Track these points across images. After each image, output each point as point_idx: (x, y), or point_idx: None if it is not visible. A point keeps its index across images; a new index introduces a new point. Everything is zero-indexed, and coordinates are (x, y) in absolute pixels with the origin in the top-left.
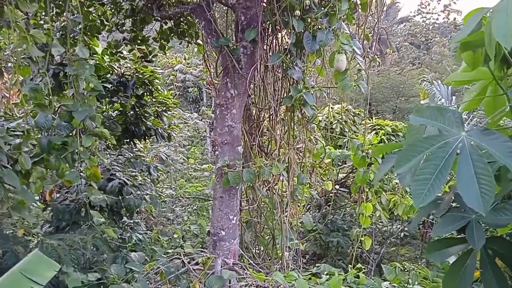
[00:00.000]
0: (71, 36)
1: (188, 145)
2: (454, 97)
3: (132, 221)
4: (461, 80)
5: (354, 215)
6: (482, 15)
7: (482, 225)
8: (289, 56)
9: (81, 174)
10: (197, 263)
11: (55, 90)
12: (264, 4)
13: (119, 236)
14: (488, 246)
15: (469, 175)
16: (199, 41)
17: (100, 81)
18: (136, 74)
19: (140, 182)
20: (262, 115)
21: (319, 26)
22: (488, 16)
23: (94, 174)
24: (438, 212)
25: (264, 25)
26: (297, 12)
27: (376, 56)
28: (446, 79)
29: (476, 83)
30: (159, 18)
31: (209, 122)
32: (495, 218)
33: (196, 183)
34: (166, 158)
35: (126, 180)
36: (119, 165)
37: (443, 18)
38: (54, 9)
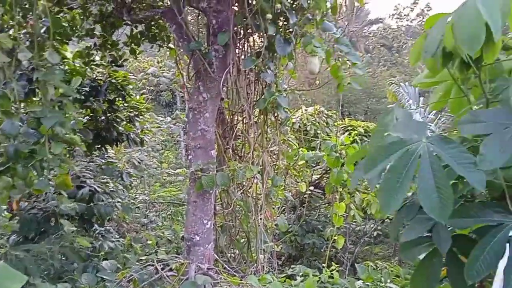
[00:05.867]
0: (38, 40)
1: (162, 149)
2: (422, 98)
3: (103, 229)
4: (426, 82)
5: (329, 216)
6: (445, 22)
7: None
8: (261, 59)
9: (50, 182)
10: (171, 269)
11: (28, 96)
12: (235, 7)
13: (90, 245)
14: (453, 244)
15: (430, 184)
16: (170, 44)
17: (74, 87)
18: (109, 79)
19: (112, 189)
20: (236, 118)
21: (291, 30)
22: (449, 21)
23: (64, 182)
24: (408, 215)
25: (236, 28)
26: (269, 16)
27: (346, 59)
28: (413, 82)
29: (441, 84)
30: (129, 22)
31: (183, 126)
32: (458, 221)
33: (170, 187)
34: (139, 163)
35: (97, 187)
36: (89, 172)
37: (417, 22)
38: (20, 13)
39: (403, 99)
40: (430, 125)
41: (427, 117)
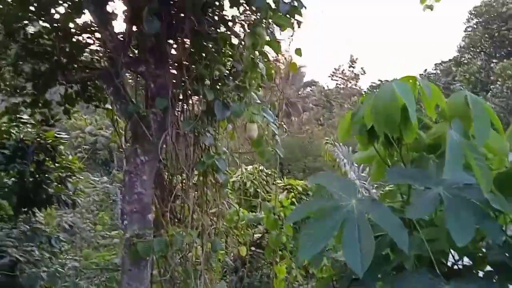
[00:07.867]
0: None
1: (96, 210)
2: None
3: None
4: (363, 158)
5: (271, 275)
6: (367, 103)
7: None
8: (200, 122)
9: None
10: None
11: None
12: (174, 72)
13: None
14: None
15: (353, 238)
16: (107, 105)
17: None
18: (38, 139)
19: (37, 258)
20: (175, 180)
21: (229, 95)
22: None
23: None
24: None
25: (174, 92)
26: (207, 82)
27: (282, 122)
28: (353, 158)
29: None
30: (64, 82)
31: (120, 185)
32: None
33: (105, 252)
34: (71, 227)
35: (19, 257)
36: (12, 239)
37: (351, 85)
38: None
39: (338, 158)
40: (365, 183)
41: (360, 174)
